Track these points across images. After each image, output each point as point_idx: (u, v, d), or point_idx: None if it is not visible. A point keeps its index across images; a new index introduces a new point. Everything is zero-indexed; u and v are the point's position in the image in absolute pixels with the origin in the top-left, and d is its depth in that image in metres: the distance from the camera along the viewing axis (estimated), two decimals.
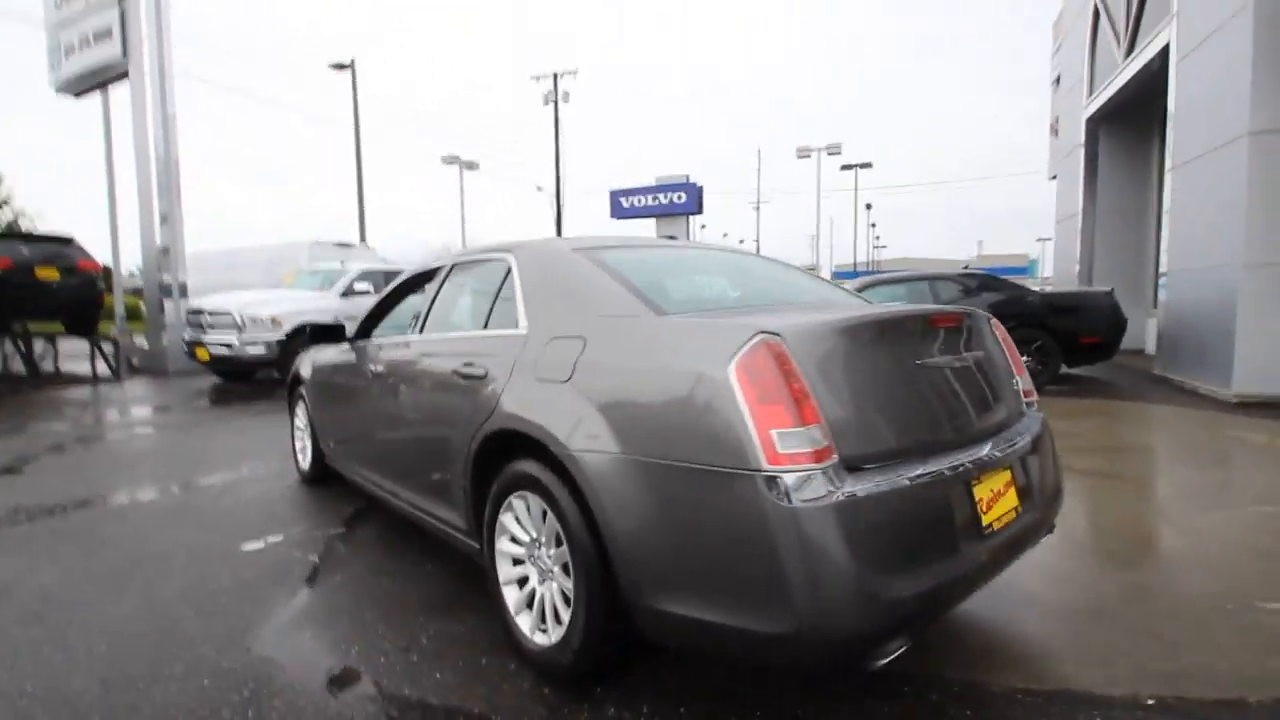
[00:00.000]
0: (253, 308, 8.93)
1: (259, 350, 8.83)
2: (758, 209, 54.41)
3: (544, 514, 1.92)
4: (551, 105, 33.10)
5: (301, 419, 4.19)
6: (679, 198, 36.59)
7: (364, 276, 10.28)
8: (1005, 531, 1.73)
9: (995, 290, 7.28)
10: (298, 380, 4.22)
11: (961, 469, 1.65)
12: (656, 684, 1.88)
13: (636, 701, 1.80)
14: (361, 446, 3.21)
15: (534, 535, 1.99)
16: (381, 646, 2.13)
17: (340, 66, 19.25)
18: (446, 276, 2.85)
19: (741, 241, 67.26)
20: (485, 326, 2.41)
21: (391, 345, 2.97)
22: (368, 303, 10.31)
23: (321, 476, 4.01)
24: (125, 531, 3.30)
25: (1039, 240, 58.90)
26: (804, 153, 26.32)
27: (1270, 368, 5.44)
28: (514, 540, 2.08)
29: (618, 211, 39.58)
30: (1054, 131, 14.20)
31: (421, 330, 2.82)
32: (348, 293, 9.86)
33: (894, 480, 1.49)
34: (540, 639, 1.94)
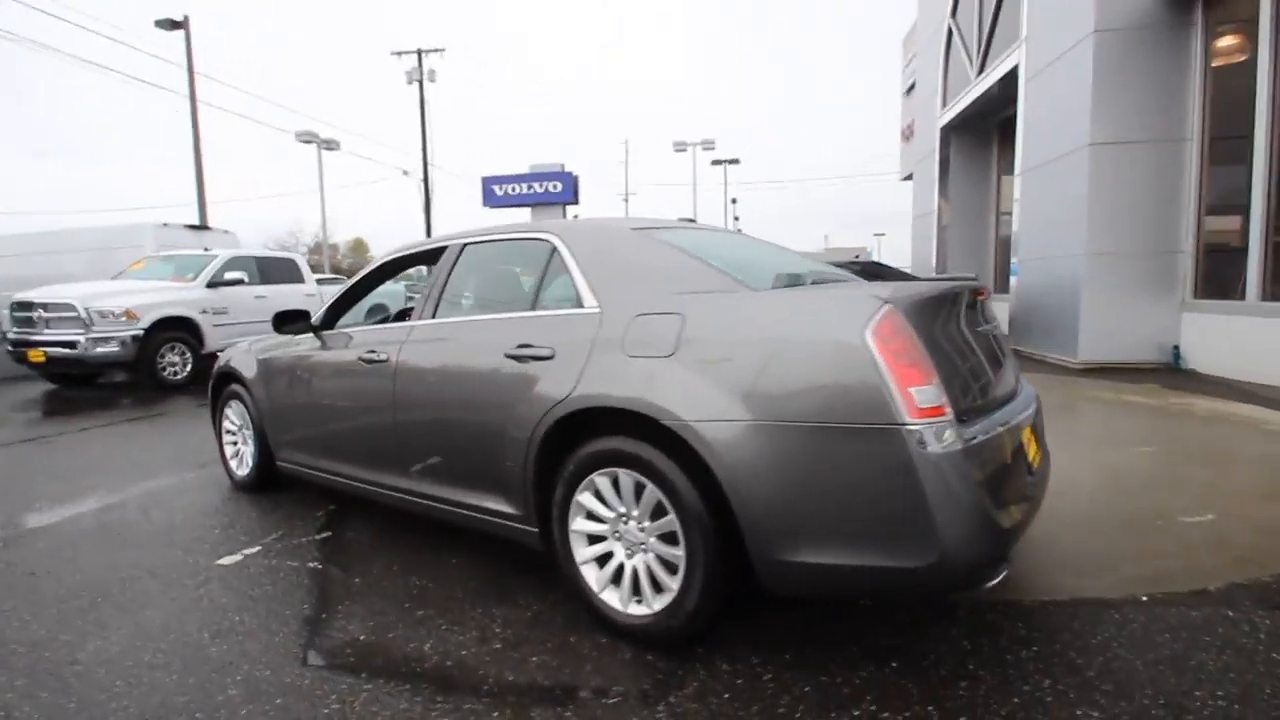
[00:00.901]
0: (102, 300, 7.69)
1: (111, 349, 7.63)
2: (626, 200, 55.26)
3: (637, 488, 1.95)
4: (416, 85, 31.39)
5: (236, 420, 3.76)
6: (555, 187, 36.29)
7: (234, 264, 9.22)
8: (1040, 471, 2.05)
9: (882, 277, 8.10)
10: (229, 378, 3.77)
11: (1018, 421, 1.93)
12: (749, 637, 1.99)
13: (741, 653, 1.91)
14: (345, 443, 2.96)
15: (620, 511, 2.02)
16: (457, 642, 2.04)
17: (173, 24, 16.80)
18: (457, 259, 2.72)
19: None
20: (534, 307, 2.36)
21: (395, 331, 2.78)
22: (240, 294, 9.41)
23: (266, 481, 3.63)
24: (51, 560, 2.80)
25: (875, 235, 65.28)
26: (680, 147, 27.21)
27: (1108, 339, 6.62)
28: (592, 518, 2.09)
29: (490, 199, 38.44)
30: (905, 136, 15.92)
31: (434, 314, 2.67)
32: (216, 282, 8.79)
33: (990, 429, 1.73)
34: (638, 609, 1.97)
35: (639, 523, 1.99)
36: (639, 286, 2.09)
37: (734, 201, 37.65)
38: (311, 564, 2.67)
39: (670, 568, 1.92)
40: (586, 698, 1.74)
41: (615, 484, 2.01)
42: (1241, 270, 5.74)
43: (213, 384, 3.92)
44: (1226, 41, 5.97)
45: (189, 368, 8.25)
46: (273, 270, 10.03)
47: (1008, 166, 10.85)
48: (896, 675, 1.79)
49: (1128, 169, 6.30)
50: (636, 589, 1.99)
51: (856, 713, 1.64)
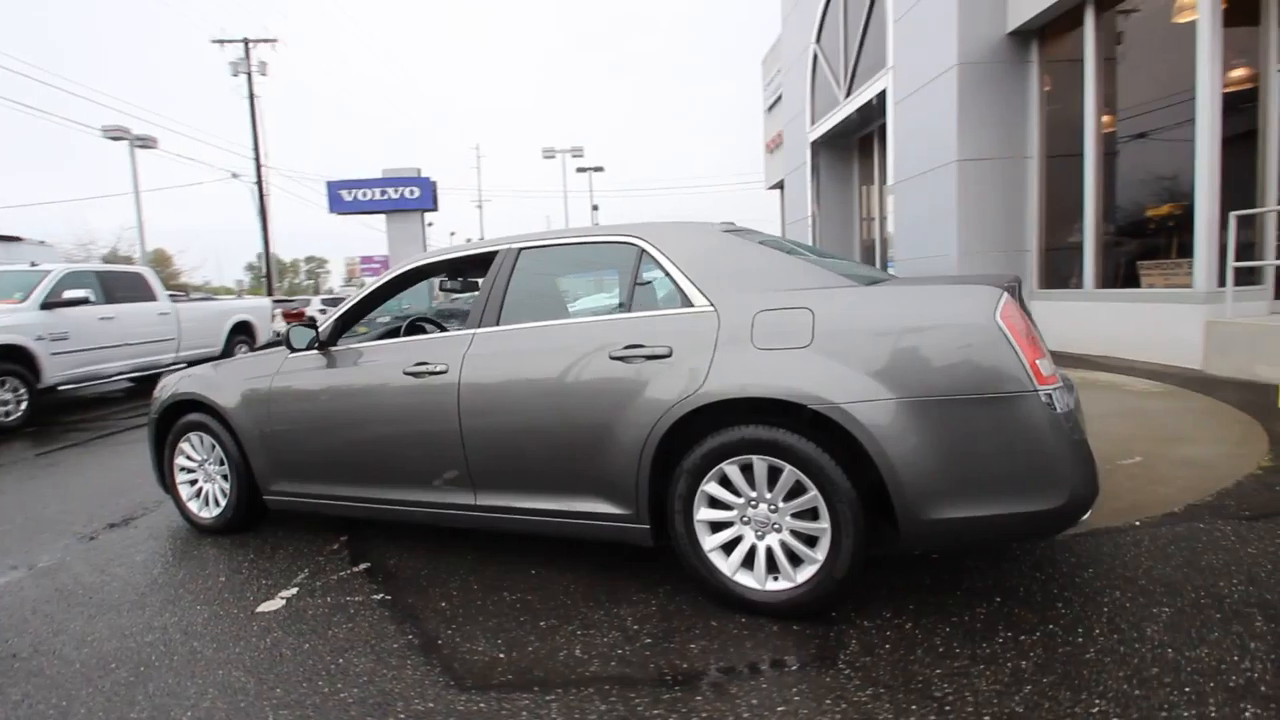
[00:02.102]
0: None
1: None
2: (480, 207, 53.80)
3: (771, 472, 2.09)
4: (244, 77, 28.47)
5: (197, 456, 3.31)
6: (411, 193, 34.62)
7: (71, 280, 7.85)
8: None
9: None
10: (186, 408, 3.31)
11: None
12: (856, 601, 2.21)
13: (871, 611, 2.11)
14: (382, 465, 2.75)
15: (751, 496, 2.14)
16: (605, 644, 2.04)
17: None
18: (514, 264, 2.66)
19: (469, 239, 65.65)
20: (628, 308, 2.40)
21: (449, 342, 2.65)
22: (82, 316, 7.97)
23: (247, 520, 3.25)
24: (27, 637, 2.32)
25: None
26: (549, 153, 27.11)
27: None
28: (716, 506, 2.19)
29: (337, 205, 35.77)
30: (770, 149, 17.26)
31: (498, 321, 2.59)
32: (52, 303, 7.44)
33: (1074, 390, 2.09)
34: (778, 585, 2.11)
35: (770, 505, 2.13)
36: (748, 285, 2.23)
37: (595, 208, 38.21)
38: (376, 595, 2.47)
39: (808, 541, 2.08)
40: (770, 671, 1.84)
41: (746, 471, 2.13)
42: (1076, 265, 7.06)
43: (157, 417, 3.41)
44: (1057, 76, 7.30)
45: (24, 406, 6.90)
46: (117, 286, 8.67)
47: (867, 178, 12.24)
48: (1008, 606, 2.10)
49: (987, 182, 7.46)
50: (769, 567, 2.13)
51: (1000, 640, 1.91)
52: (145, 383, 9.86)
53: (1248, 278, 5.42)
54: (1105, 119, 6.61)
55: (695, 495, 2.20)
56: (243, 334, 10.79)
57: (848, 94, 10.51)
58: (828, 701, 1.70)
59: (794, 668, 1.85)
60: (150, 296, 8.98)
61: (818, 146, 12.30)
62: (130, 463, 5.00)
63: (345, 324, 3.05)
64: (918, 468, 1.91)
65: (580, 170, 31.01)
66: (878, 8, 9.30)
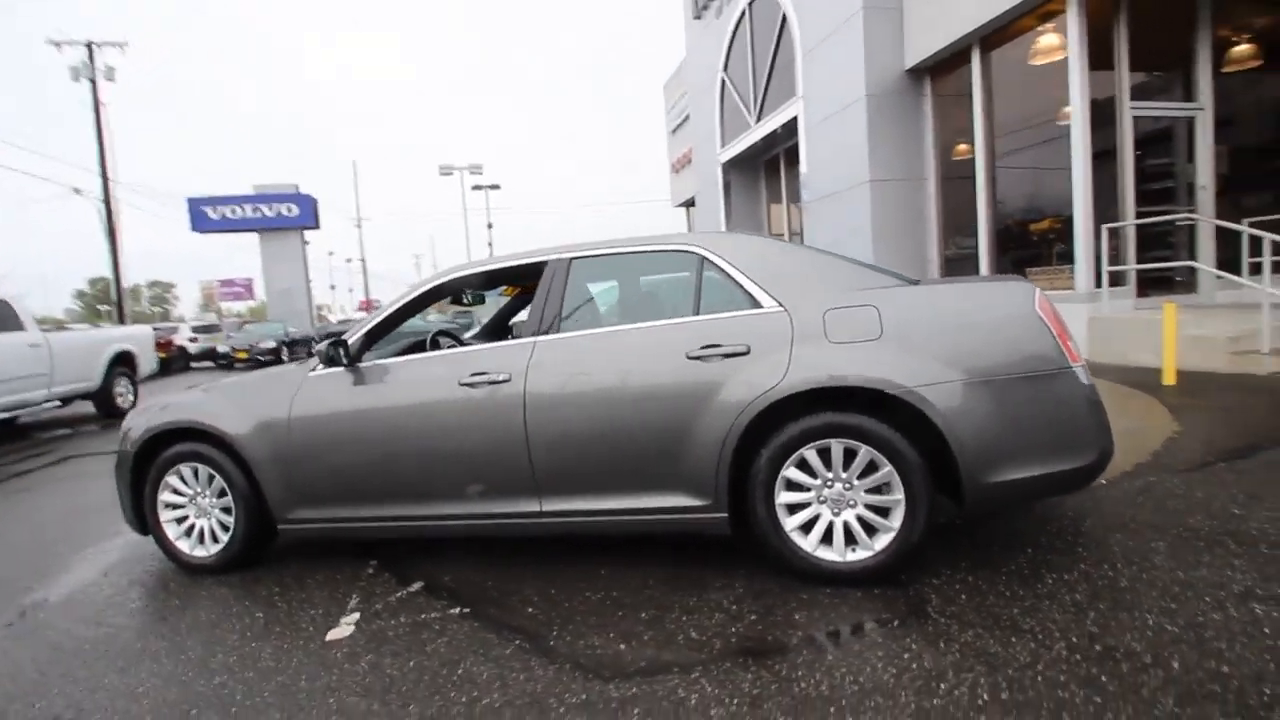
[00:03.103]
0: None
1: None
2: (359, 226, 51.23)
3: (847, 454, 2.32)
4: (88, 84, 25.63)
5: (186, 490, 3.04)
6: (289, 210, 32.53)
7: None
8: None
9: None
10: (178, 438, 3.04)
11: None
12: (920, 563, 2.48)
13: (934, 571, 2.39)
14: (432, 481, 2.69)
15: (827, 476, 2.36)
16: (714, 625, 2.16)
17: None
18: (567, 274, 2.72)
19: (349, 260, 61.86)
20: (697, 312, 2.54)
21: (508, 350, 2.66)
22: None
23: (251, 555, 3.02)
24: (47, 694, 2.06)
25: None
26: (446, 171, 26.34)
27: None
28: (793, 489, 2.39)
29: (201, 224, 32.96)
30: (676, 169, 17.97)
31: (559, 329, 2.64)
32: None
33: None
34: (857, 555, 2.33)
35: (845, 483, 2.35)
36: (808, 286, 2.46)
37: (490, 226, 37.60)
38: (453, 610, 2.42)
39: (881, 513, 2.33)
40: (878, 628, 2.05)
41: (823, 454, 2.35)
42: (973, 271, 8.04)
43: (136, 450, 3.08)
44: (945, 109, 8.31)
45: None
46: None
47: (774, 196, 13.11)
48: (1040, 555, 2.45)
49: (893, 200, 8.32)
50: (847, 540, 2.35)
51: (1049, 580, 2.25)
52: (10, 426, 8.55)
53: (1116, 279, 6.47)
54: (991, 145, 7.63)
55: (776, 480, 2.38)
56: (123, 366, 9.63)
57: (758, 119, 11.26)
58: (941, 644, 1.93)
59: (896, 623, 2.07)
60: (17, 326, 7.84)
61: (728, 167, 13.03)
62: (46, 511, 4.40)
63: (372, 340, 2.96)
64: (979, 439, 2.21)
65: (476, 188, 30.42)
66: (785, 42, 10.10)
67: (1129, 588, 2.17)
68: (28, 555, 3.52)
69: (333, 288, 65.50)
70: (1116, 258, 6.51)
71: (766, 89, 10.88)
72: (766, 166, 13.00)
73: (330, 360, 2.79)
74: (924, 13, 7.87)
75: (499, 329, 3.97)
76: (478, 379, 2.63)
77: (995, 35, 7.33)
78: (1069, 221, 6.67)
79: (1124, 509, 2.83)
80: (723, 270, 2.56)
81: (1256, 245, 5.90)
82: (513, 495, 2.63)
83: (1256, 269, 5.86)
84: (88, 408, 9.37)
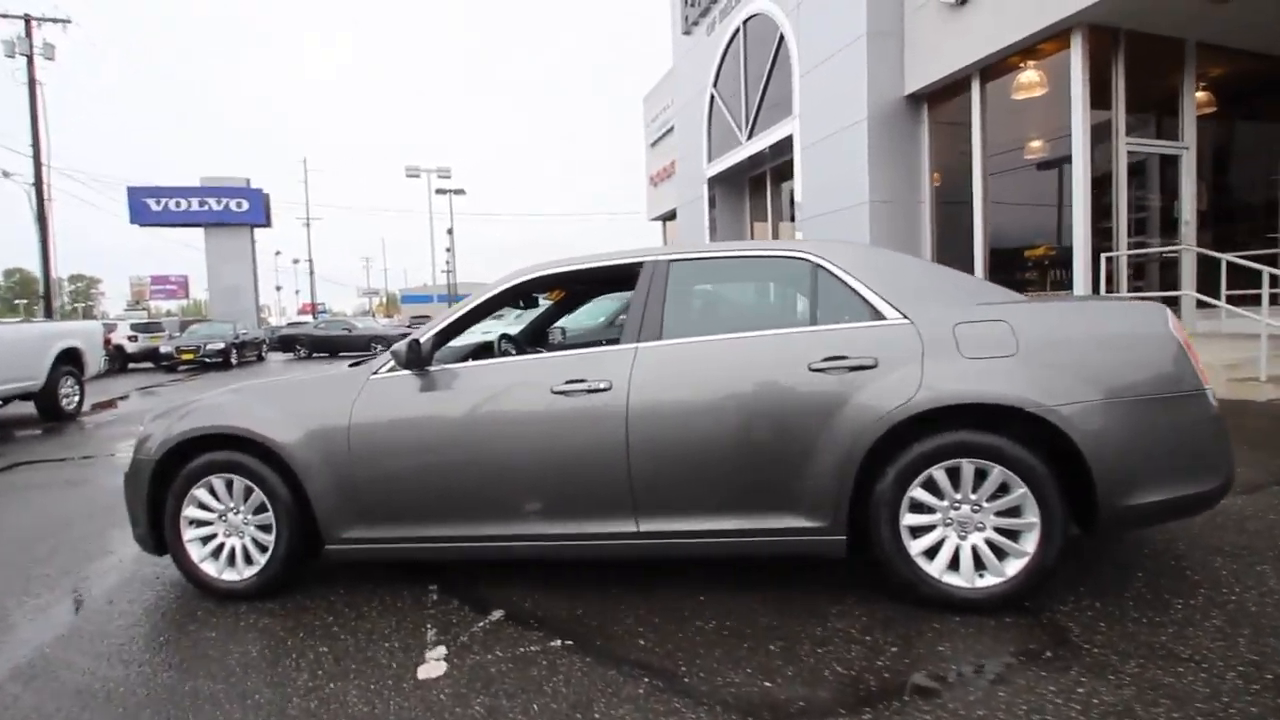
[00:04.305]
0: None
1: None
2: (308, 225, 49.51)
3: (977, 474, 2.23)
4: (24, 61, 24.08)
5: (217, 505, 2.70)
6: (239, 205, 31.12)
7: None
8: None
9: None
10: (210, 445, 2.70)
11: None
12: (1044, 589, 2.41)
13: (1058, 596, 2.31)
14: (517, 496, 2.47)
15: (955, 498, 2.26)
16: (857, 660, 2.01)
17: None
18: (667, 278, 2.55)
19: (296, 261, 59.50)
20: (814, 321, 2.41)
21: (607, 356, 2.46)
22: None
23: (287, 580, 2.71)
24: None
25: None
26: (413, 172, 25.61)
27: None
28: (918, 511, 2.28)
29: (142, 216, 31.25)
30: (654, 182, 17.96)
31: (660, 335, 2.47)
32: None
33: None
34: (986, 582, 2.23)
35: (974, 505, 2.26)
36: (937, 298, 2.37)
37: (449, 231, 36.84)
38: (554, 643, 2.20)
39: (1011, 537, 2.24)
40: (1031, 661, 1.95)
41: (951, 474, 2.25)
42: None
43: (160, 458, 2.73)
44: (940, 135, 8.53)
45: None
46: None
47: (758, 214, 13.22)
48: (1155, 579, 2.41)
49: (891, 221, 8.47)
50: (977, 565, 2.25)
51: (1179, 605, 2.20)
52: None
53: None
54: (988, 172, 7.88)
55: (902, 501, 2.26)
56: (69, 364, 8.83)
57: (750, 136, 11.35)
58: (1110, 677, 1.83)
59: (1048, 654, 1.97)
60: None
61: (714, 182, 13.08)
62: (11, 527, 3.90)
63: (443, 341, 2.71)
64: (1116, 460, 2.15)
65: (440, 192, 29.77)
66: (782, 61, 10.23)
67: (1260, 611, 2.14)
68: (6, 578, 3.07)
69: (278, 289, 62.74)
70: (1111, 285, 6.77)
71: (760, 106, 10.99)
72: (752, 183, 13.11)
73: (409, 362, 2.53)
74: (926, 41, 8.09)
75: (537, 336, 3.75)
76: (574, 386, 2.42)
77: (996, 66, 7.58)
78: (1065, 249, 6.91)
79: (1207, 532, 2.83)
80: (838, 279, 2.45)
81: (1232, 277, 6.24)
82: (607, 514, 2.43)
83: (1233, 300, 6.20)
84: (28, 409, 8.53)
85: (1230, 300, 6.17)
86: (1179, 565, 2.53)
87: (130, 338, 19.00)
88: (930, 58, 8.04)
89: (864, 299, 2.40)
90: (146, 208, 29.65)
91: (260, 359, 21.05)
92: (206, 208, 29.80)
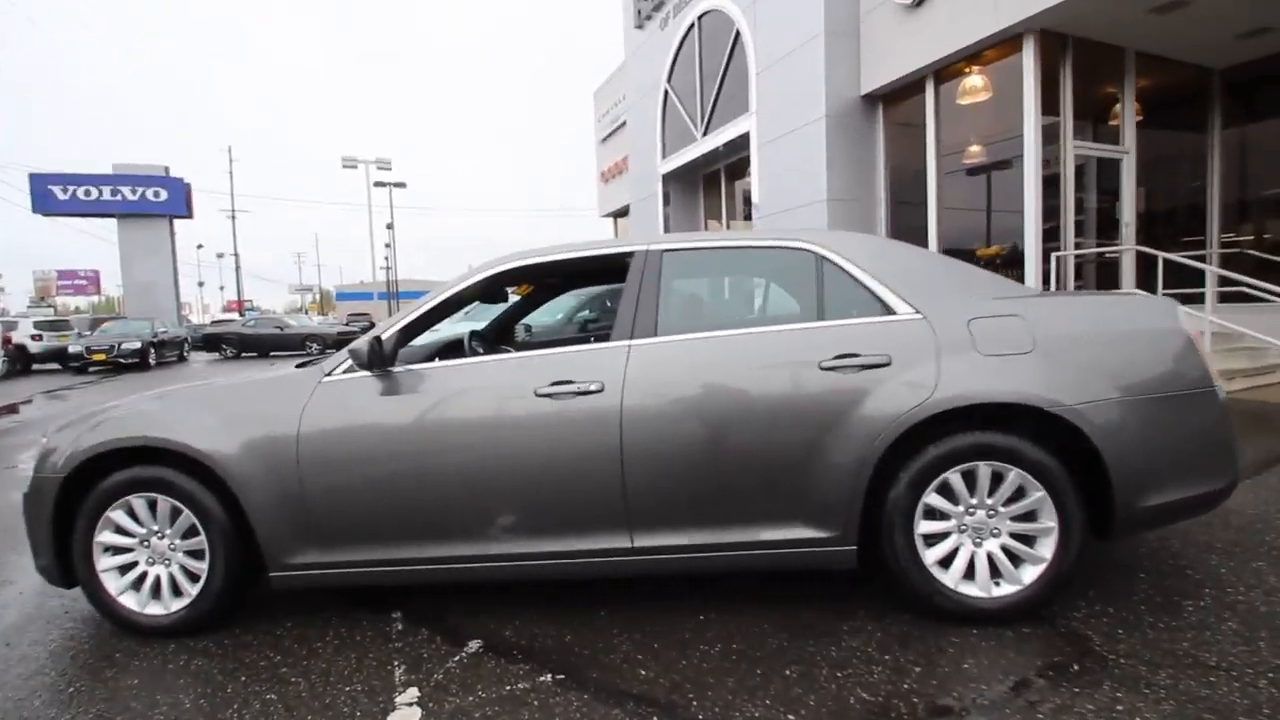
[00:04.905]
0: None
1: None
2: (233, 217, 46.88)
3: (994, 478, 2.11)
4: None
5: (137, 530, 2.34)
6: (156, 194, 29.21)
7: None
8: None
9: None
10: (130, 459, 2.33)
11: None
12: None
13: (1071, 605, 2.22)
14: (492, 511, 2.21)
15: (972, 503, 2.13)
16: (887, 683, 1.86)
17: None
18: (660, 269, 2.34)
19: (221, 256, 55.97)
20: (822, 316, 2.24)
21: (597, 355, 2.23)
22: None
23: (226, 611, 2.36)
24: None
25: None
26: (350, 163, 24.37)
27: None
28: (933, 518, 2.14)
29: (47, 204, 29.02)
30: (605, 179, 17.67)
31: (655, 331, 2.25)
32: None
33: None
34: (1003, 591, 2.12)
35: (989, 510, 2.14)
36: (948, 292, 2.24)
37: (389, 226, 35.51)
38: (543, 677, 1.95)
39: (1026, 542, 2.13)
40: (1060, 675, 1.83)
41: (968, 478, 2.12)
42: None
43: (68, 475, 2.33)
44: (894, 135, 8.64)
45: None
46: None
47: (712, 211, 13.15)
48: (1170, 582, 2.36)
49: (849, 220, 8.51)
50: (980, 574, 2.13)
51: (1202, 601, 2.14)
52: None
53: None
54: (941, 172, 8.00)
55: (917, 507, 2.12)
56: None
57: (705, 133, 11.25)
58: (1144, 690, 1.74)
59: (1075, 667, 1.87)
60: None
61: (668, 179, 12.93)
62: None
63: (406, 339, 2.41)
64: (1134, 460, 2.07)
65: (379, 184, 28.59)
66: (738, 57, 10.15)
67: (1270, 612, 2.11)
68: None
69: (200, 284, 59.13)
70: (1059, 284, 6.97)
71: (715, 103, 10.89)
72: (706, 180, 13.03)
73: (370, 361, 2.22)
74: (882, 42, 8.15)
75: (504, 332, 3.48)
76: (560, 389, 2.18)
77: (950, 69, 7.69)
78: (1015, 249, 7.07)
79: (1195, 528, 2.83)
80: (845, 271, 2.29)
81: (1169, 277, 6.53)
82: (598, 529, 2.20)
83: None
84: None
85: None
86: (1178, 565, 2.50)
87: (34, 336, 17.32)
88: (886, 59, 8.11)
89: (873, 292, 2.25)
90: (52, 196, 27.26)
91: (182, 359, 19.64)
92: (120, 197, 27.63)
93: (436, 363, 2.40)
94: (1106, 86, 7.44)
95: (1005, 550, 2.14)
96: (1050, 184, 6.98)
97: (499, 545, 2.23)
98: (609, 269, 2.48)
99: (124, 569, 2.36)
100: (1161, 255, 6.69)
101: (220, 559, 2.30)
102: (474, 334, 2.77)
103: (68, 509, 2.34)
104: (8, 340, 15.64)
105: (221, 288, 57.80)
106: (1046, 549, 2.11)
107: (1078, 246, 7.16)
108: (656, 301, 2.29)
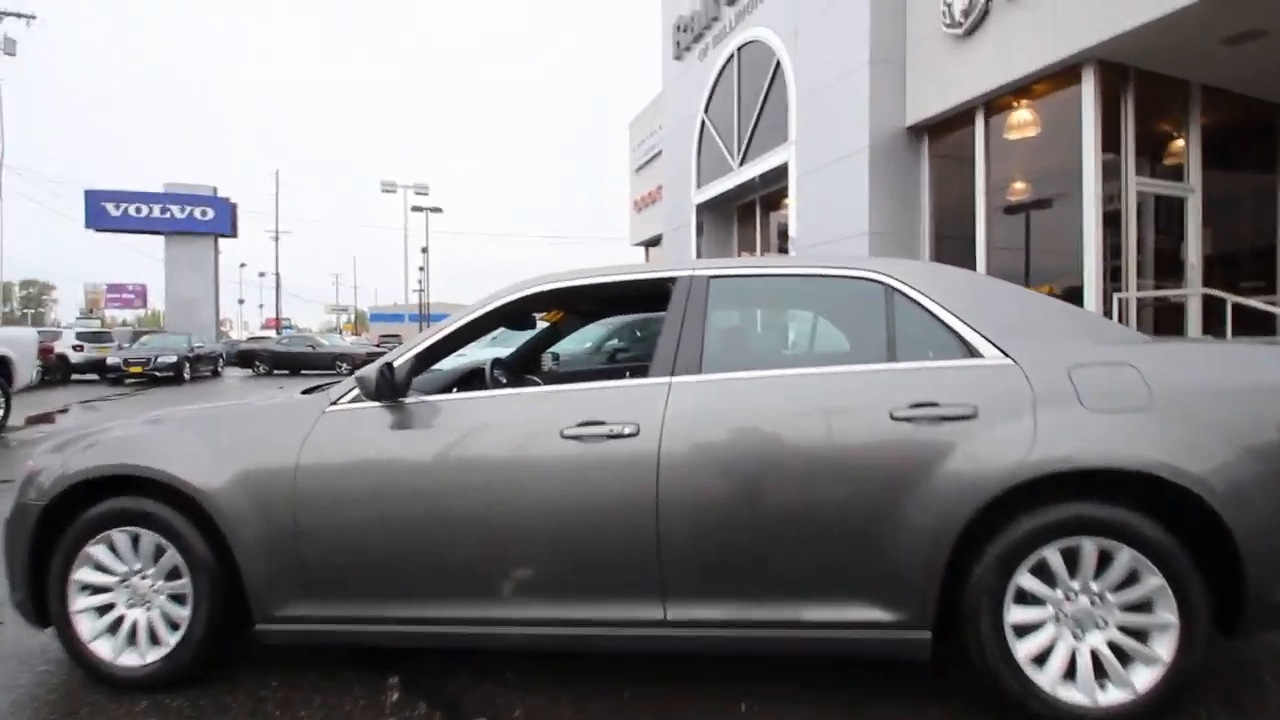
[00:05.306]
0: None
1: None
2: (276, 239, 48.21)
3: (1101, 555, 1.77)
4: None
5: (117, 569, 2.12)
6: (204, 213, 30.09)
7: None
8: None
9: None
10: (111, 489, 2.11)
11: None
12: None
13: (1183, 708, 1.85)
14: (497, 570, 1.93)
15: (1073, 587, 1.79)
16: None
17: None
18: (706, 297, 2.07)
19: (262, 275, 57.60)
20: (893, 357, 1.95)
21: (633, 392, 1.96)
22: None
23: (203, 667, 2.10)
24: None
25: None
26: (389, 188, 24.94)
27: None
28: (1028, 602, 1.80)
29: (98, 220, 30.07)
30: (638, 208, 17.66)
31: (700, 368, 1.97)
32: None
33: None
34: (1110, 697, 1.75)
35: (1093, 597, 1.79)
36: (1043, 334, 1.93)
37: (424, 250, 36.09)
38: None
39: (1139, 637, 1.77)
40: None
41: (1069, 556, 1.78)
42: None
43: (50, 503, 2.12)
44: (939, 168, 8.35)
45: None
46: None
47: (746, 243, 12.93)
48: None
49: (890, 253, 8.18)
50: (1083, 675, 1.77)
51: None
52: None
53: None
54: (991, 206, 7.67)
55: (1007, 589, 1.78)
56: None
57: (741, 163, 11.09)
58: None
59: None
60: None
61: (702, 209, 12.78)
62: None
63: (423, 366, 2.18)
64: (1274, 542, 1.71)
65: (416, 209, 29.14)
66: (777, 88, 10.02)
67: None
68: None
69: (241, 302, 60.82)
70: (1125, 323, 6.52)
71: (753, 133, 10.75)
72: (740, 211, 12.85)
73: (379, 391, 1.98)
74: (929, 73, 7.91)
75: (529, 361, 3.24)
76: (589, 430, 1.90)
77: (1002, 101, 7.41)
78: (1072, 288, 6.66)
79: None
80: (920, 305, 1.99)
81: (1238, 323, 6.06)
82: (626, 595, 1.90)
83: None
84: None
85: None
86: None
87: (75, 347, 17.74)
88: (933, 89, 7.86)
89: (954, 331, 1.94)
90: (105, 212, 28.38)
91: (216, 374, 19.92)
92: (169, 215, 28.64)
93: (454, 394, 2.16)
94: (1168, 121, 7.06)
95: (1112, 646, 1.78)
96: (1110, 222, 6.59)
97: (511, 608, 1.94)
98: (648, 295, 2.24)
99: (102, 610, 2.14)
100: (1231, 299, 6.23)
101: (204, 605, 2.06)
102: (497, 362, 2.53)
103: (49, 539, 2.13)
104: (48, 351, 16.02)
105: (260, 306, 59.30)
106: (1163, 647, 1.75)
107: (1141, 289, 6.72)
108: (702, 334, 2.02)
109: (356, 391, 2.06)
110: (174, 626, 2.09)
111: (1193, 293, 6.86)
